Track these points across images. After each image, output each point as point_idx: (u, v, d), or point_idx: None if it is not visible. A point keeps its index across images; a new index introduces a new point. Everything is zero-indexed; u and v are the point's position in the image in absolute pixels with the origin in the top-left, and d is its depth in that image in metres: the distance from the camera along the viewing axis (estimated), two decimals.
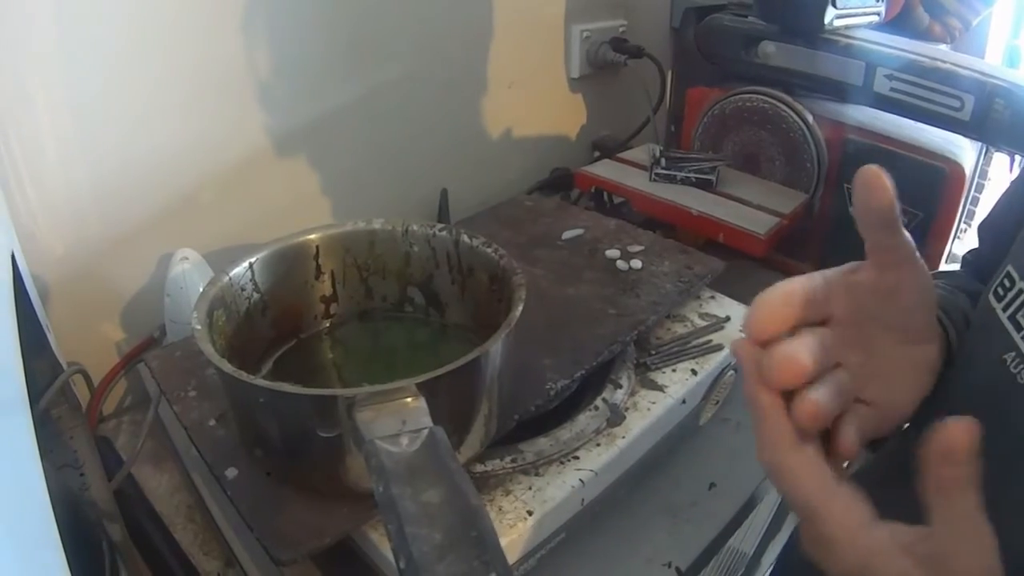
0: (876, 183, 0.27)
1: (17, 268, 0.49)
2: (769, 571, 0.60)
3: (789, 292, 0.29)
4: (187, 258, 0.58)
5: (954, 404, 0.35)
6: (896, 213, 0.28)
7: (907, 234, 0.29)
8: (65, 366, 0.55)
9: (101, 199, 0.57)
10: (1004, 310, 0.33)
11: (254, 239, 0.51)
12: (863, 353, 0.31)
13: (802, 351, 0.27)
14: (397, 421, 0.34)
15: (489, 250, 0.49)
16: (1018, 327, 0.32)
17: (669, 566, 0.50)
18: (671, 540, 0.52)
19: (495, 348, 0.39)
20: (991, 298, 0.35)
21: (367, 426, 0.34)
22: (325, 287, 0.52)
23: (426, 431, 0.33)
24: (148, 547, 0.52)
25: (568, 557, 0.49)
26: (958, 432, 0.23)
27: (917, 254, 0.30)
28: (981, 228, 0.47)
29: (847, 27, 0.78)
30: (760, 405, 0.28)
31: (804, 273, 0.31)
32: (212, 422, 0.47)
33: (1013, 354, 0.32)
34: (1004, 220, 0.43)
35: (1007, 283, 0.34)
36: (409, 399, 0.35)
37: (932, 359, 0.34)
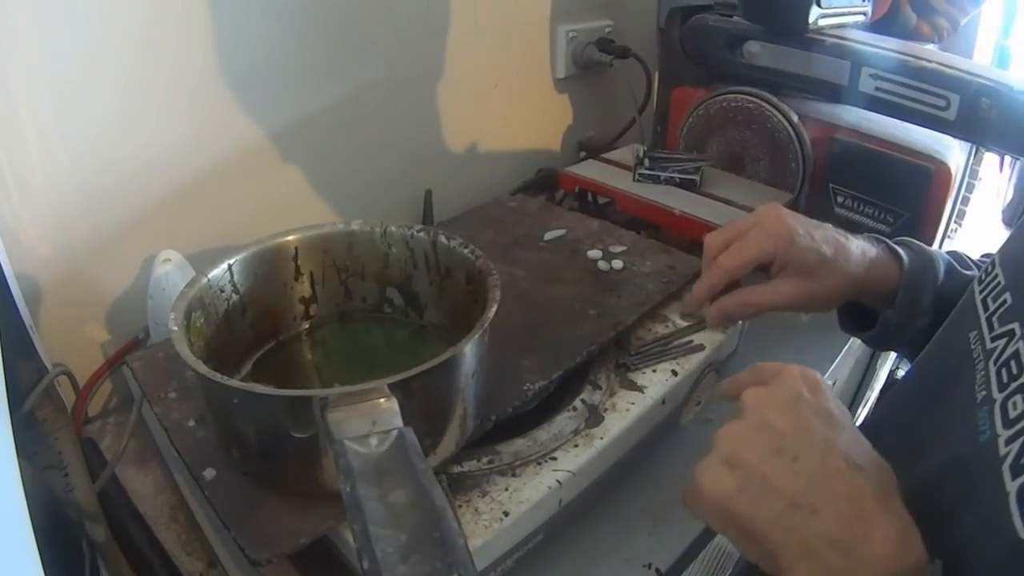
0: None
1: (1, 270, 0.49)
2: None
3: None
4: (170, 260, 0.58)
5: (925, 362, 0.43)
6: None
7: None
8: (50, 367, 0.55)
9: (85, 200, 0.57)
10: (980, 293, 0.38)
11: (237, 240, 0.51)
12: None
13: None
14: (367, 422, 0.34)
15: (466, 251, 0.49)
16: (985, 308, 0.37)
17: (649, 567, 0.50)
18: (651, 541, 0.52)
19: (468, 349, 0.40)
20: (975, 282, 0.40)
21: (337, 427, 0.34)
22: (304, 288, 0.53)
23: (395, 432, 0.33)
24: (132, 548, 0.52)
25: (546, 559, 0.49)
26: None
27: None
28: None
29: (833, 27, 0.78)
30: None
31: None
32: (192, 423, 0.47)
33: (975, 333, 0.36)
34: None
35: (990, 269, 0.39)
36: (381, 400, 0.35)
37: None
